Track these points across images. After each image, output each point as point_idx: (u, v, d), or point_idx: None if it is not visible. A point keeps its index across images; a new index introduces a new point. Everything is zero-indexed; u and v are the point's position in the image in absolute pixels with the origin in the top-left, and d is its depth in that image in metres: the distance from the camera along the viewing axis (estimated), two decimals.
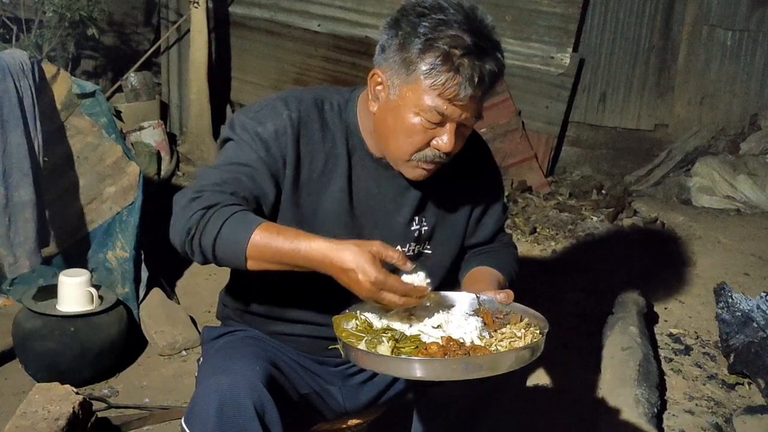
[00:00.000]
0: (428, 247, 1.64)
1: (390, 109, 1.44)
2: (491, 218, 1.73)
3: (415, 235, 1.61)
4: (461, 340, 1.32)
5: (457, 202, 1.65)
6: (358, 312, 1.43)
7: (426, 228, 1.62)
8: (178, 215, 1.41)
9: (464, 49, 1.35)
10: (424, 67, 1.37)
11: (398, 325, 1.40)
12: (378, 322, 1.41)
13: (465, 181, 1.64)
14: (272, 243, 1.33)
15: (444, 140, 1.42)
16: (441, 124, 1.42)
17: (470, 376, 1.23)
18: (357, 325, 1.39)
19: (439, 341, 1.30)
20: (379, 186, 1.56)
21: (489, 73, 1.38)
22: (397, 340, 1.32)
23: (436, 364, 1.24)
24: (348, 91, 1.59)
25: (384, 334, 1.33)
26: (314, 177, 1.51)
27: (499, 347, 1.31)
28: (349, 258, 1.29)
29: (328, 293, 1.46)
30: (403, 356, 1.28)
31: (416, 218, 1.60)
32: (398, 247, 1.59)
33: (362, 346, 1.31)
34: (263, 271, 1.37)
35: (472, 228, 1.70)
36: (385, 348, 1.30)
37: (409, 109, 1.41)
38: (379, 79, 1.46)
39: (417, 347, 1.30)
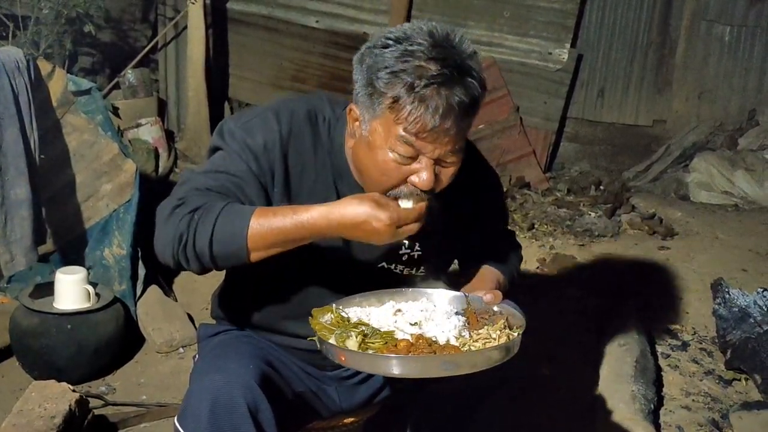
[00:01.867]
0: (422, 270, 1.60)
1: (362, 145, 1.38)
2: (490, 223, 1.71)
3: (404, 259, 1.56)
4: (434, 338, 1.32)
5: (451, 222, 1.57)
6: (334, 306, 1.43)
7: (419, 252, 1.57)
8: (162, 226, 1.35)
9: (429, 79, 1.27)
10: (388, 101, 1.30)
11: (378, 319, 1.39)
12: (362, 316, 1.41)
13: (457, 199, 1.54)
14: (273, 225, 1.30)
15: (423, 177, 1.34)
16: (415, 158, 1.34)
17: (436, 374, 1.24)
18: (331, 318, 1.39)
19: (410, 338, 1.31)
20: None
21: (458, 103, 1.28)
22: (366, 335, 1.32)
23: (398, 360, 1.25)
24: (342, 105, 1.51)
25: (354, 329, 1.34)
26: (304, 191, 1.47)
27: (472, 347, 1.32)
28: (357, 210, 1.27)
29: (319, 290, 1.45)
30: (369, 352, 1.29)
31: (406, 243, 1.53)
32: (385, 265, 1.56)
33: (332, 339, 1.32)
34: (264, 259, 1.33)
35: (468, 240, 1.67)
36: (352, 342, 1.30)
37: (379, 145, 1.34)
38: (354, 116, 1.40)
39: (386, 343, 1.31)
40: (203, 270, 1.36)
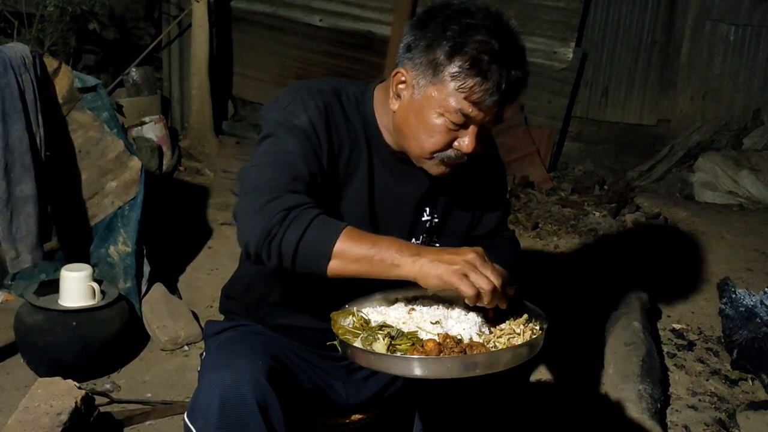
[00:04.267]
0: (436, 239, 1.64)
1: (413, 108, 1.44)
2: (495, 212, 1.73)
3: (427, 226, 1.62)
4: (459, 337, 1.31)
5: (465, 195, 1.66)
6: (355, 309, 1.42)
7: (437, 220, 1.63)
8: (254, 215, 1.34)
9: (493, 55, 1.35)
10: (451, 70, 1.37)
11: (396, 320, 1.38)
12: (379, 317, 1.40)
13: (473, 174, 1.64)
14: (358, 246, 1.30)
15: (465, 142, 1.43)
16: (464, 126, 1.42)
17: (467, 374, 1.23)
18: (354, 321, 1.38)
19: (436, 338, 1.29)
20: (394, 178, 1.56)
21: (515, 80, 1.38)
22: (393, 338, 1.30)
23: (432, 362, 1.22)
24: (363, 84, 1.59)
25: (380, 332, 1.32)
26: (341, 166, 1.51)
27: (497, 344, 1.30)
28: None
29: (333, 284, 1.45)
30: (398, 354, 1.27)
31: (427, 209, 1.61)
32: (413, 240, 1.60)
33: (358, 343, 1.29)
34: (340, 276, 1.32)
35: (476, 221, 1.70)
36: (380, 345, 1.28)
37: (433, 110, 1.41)
38: (403, 78, 1.45)
39: (413, 344, 1.29)
40: (280, 268, 1.35)
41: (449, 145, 1.44)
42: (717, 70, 5.04)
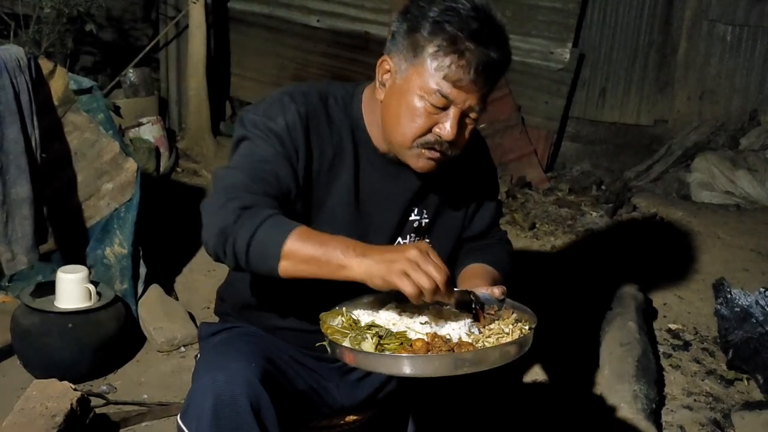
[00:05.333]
0: (427, 239, 1.64)
1: (395, 92, 1.45)
2: (486, 212, 1.74)
3: (415, 226, 1.62)
4: (448, 337, 1.31)
5: (456, 196, 1.66)
6: (344, 309, 1.42)
7: (426, 220, 1.63)
8: (212, 216, 1.35)
9: (470, 33, 1.37)
10: (430, 49, 1.39)
11: (387, 321, 1.38)
12: (368, 318, 1.40)
13: (463, 174, 1.65)
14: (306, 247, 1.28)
15: (446, 126, 1.42)
16: (444, 108, 1.42)
17: (456, 372, 1.22)
18: (343, 322, 1.38)
19: (425, 338, 1.29)
20: (383, 179, 1.56)
21: (493, 60, 1.39)
22: (381, 337, 1.31)
23: (419, 360, 1.22)
24: (352, 86, 1.59)
25: (368, 331, 1.32)
26: (323, 171, 1.51)
27: (486, 343, 1.30)
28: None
29: (326, 285, 1.45)
30: (387, 353, 1.27)
31: (415, 209, 1.61)
32: (399, 240, 1.60)
33: (346, 343, 1.29)
34: (293, 278, 1.31)
35: (468, 221, 1.71)
36: (369, 345, 1.28)
37: (413, 92, 1.42)
38: (387, 66, 1.47)
39: (402, 344, 1.29)
40: (238, 268, 1.36)
41: (429, 130, 1.44)
42: (714, 71, 5.04)
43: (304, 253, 1.28)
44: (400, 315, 1.40)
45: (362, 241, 1.53)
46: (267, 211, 1.33)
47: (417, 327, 1.34)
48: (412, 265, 1.23)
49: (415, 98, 1.42)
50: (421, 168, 1.49)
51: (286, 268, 1.29)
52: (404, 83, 1.43)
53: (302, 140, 1.47)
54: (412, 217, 1.61)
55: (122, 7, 4.95)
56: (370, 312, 1.43)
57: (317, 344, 1.40)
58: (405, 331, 1.33)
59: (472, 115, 1.45)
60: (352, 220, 1.54)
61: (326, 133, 1.51)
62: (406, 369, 1.22)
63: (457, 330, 1.33)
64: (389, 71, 1.47)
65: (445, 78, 1.38)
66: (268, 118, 1.47)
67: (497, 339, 1.31)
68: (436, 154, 1.47)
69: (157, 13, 5.01)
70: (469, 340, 1.31)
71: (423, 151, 1.46)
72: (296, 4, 4.93)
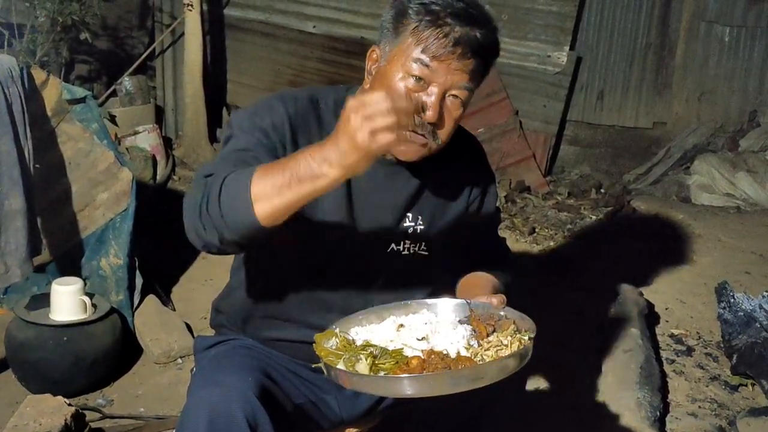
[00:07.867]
0: (424, 248, 1.61)
1: (378, 76, 1.46)
2: (485, 219, 1.72)
3: (409, 232, 1.58)
4: (445, 352, 1.27)
5: (452, 202, 1.63)
6: (337, 330, 1.38)
7: (421, 227, 1.59)
8: (187, 200, 1.32)
9: (452, 10, 1.38)
10: (411, 26, 1.40)
11: (384, 338, 1.34)
12: (365, 334, 1.36)
13: (460, 180, 1.63)
14: (273, 170, 1.22)
15: (429, 109, 1.40)
16: (425, 87, 1.40)
17: (455, 390, 1.19)
18: (337, 343, 1.35)
19: (421, 355, 1.25)
20: (375, 183, 1.53)
21: (475, 39, 1.39)
22: (375, 357, 1.26)
23: (416, 380, 1.18)
24: (343, 89, 1.59)
25: (363, 352, 1.28)
26: None
27: (485, 357, 1.27)
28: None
29: (325, 296, 1.42)
30: (382, 374, 1.23)
31: (409, 215, 1.58)
32: (392, 246, 1.57)
33: (341, 365, 1.25)
34: (277, 220, 1.23)
35: (466, 228, 1.68)
36: (363, 366, 1.24)
37: (395, 73, 1.42)
38: (375, 56, 1.49)
39: (397, 362, 1.25)
40: (223, 243, 1.28)
41: None
42: (712, 72, 5.03)
43: (271, 186, 1.21)
44: (398, 330, 1.36)
45: (355, 246, 1.53)
46: (230, 168, 1.29)
47: (414, 343, 1.30)
48: (366, 118, 1.12)
49: (396, 78, 1.41)
50: (404, 154, 1.46)
51: (263, 210, 1.22)
52: (387, 65, 1.44)
53: (289, 139, 1.45)
54: (407, 223, 1.58)
55: (117, 15, 4.92)
56: (367, 328, 1.39)
57: (314, 366, 1.36)
58: (401, 349, 1.30)
59: (455, 93, 1.42)
60: (344, 219, 1.52)
61: (316, 136, 1.47)
62: (403, 390, 1.19)
63: (455, 344, 1.30)
64: (376, 61, 1.48)
65: (424, 51, 1.39)
66: (255, 117, 1.46)
67: (496, 351, 1.28)
68: (420, 139, 1.43)
69: (152, 21, 4.99)
70: (468, 354, 1.28)
71: (405, 134, 1.36)
72: (292, 11, 4.92)
